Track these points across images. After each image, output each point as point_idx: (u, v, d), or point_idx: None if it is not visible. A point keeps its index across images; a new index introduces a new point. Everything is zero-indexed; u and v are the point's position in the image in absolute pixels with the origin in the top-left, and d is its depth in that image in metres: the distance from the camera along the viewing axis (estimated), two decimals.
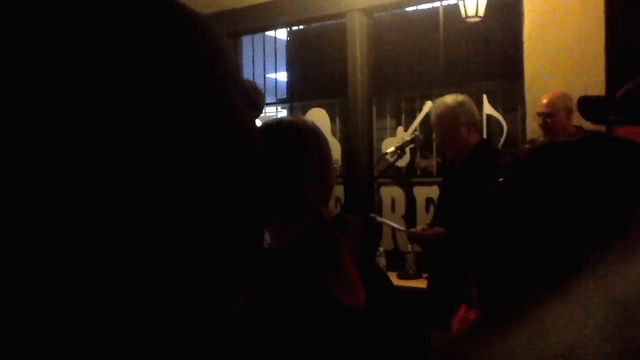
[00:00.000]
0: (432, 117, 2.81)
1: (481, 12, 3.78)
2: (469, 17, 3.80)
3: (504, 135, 3.92)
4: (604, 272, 0.34)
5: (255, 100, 3.20)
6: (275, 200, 1.16)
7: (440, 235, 2.61)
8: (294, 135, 1.18)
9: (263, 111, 5.03)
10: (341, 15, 4.27)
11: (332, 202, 4.36)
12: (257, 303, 1.04)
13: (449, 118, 2.67)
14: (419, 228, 2.93)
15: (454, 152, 2.80)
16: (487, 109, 3.95)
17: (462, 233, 2.52)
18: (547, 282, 0.37)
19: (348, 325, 1.09)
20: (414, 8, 4.33)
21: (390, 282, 1.31)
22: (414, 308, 2.45)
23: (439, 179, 3.59)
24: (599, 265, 0.34)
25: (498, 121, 3.96)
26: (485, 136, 3.90)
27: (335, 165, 4.41)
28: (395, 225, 3.23)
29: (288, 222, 1.16)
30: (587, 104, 1.73)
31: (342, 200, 4.28)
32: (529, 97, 3.59)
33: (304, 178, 1.16)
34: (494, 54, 4.08)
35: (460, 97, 2.76)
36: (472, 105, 2.75)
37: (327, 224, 1.15)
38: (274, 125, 1.24)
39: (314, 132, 1.20)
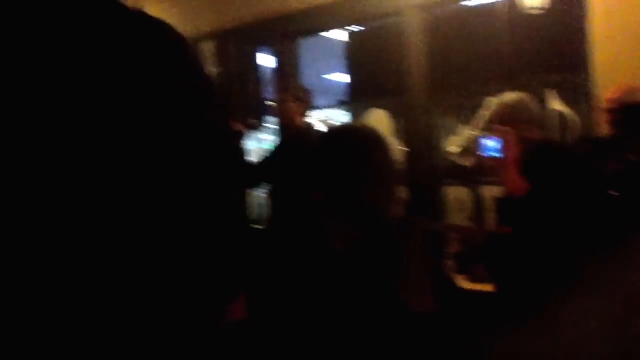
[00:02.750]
0: (491, 116, 2.75)
1: (544, 3, 3.66)
2: (532, 8, 3.68)
3: (573, 130, 3.77)
4: (610, 270, 0.32)
5: (304, 97, 3.35)
6: (339, 204, 1.16)
7: (505, 235, 2.53)
8: (356, 140, 1.19)
9: (323, 112, 5.05)
10: (398, 12, 4.22)
11: (395, 204, 4.31)
12: (321, 307, 1.03)
13: (507, 116, 2.60)
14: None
15: None
16: (554, 103, 3.81)
17: (528, 233, 2.43)
18: (557, 279, 0.35)
19: (416, 330, 1.06)
20: (473, 2, 4.23)
21: (457, 284, 1.28)
22: (483, 311, 2.38)
23: None
24: (604, 264, 0.33)
25: (564, 116, 3.81)
26: (552, 132, 3.76)
27: (397, 167, 4.36)
28: (457, 226, 3.15)
29: (352, 226, 1.15)
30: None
31: (406, 202, 4.22)
32: (598, 89, 3.44)
33: (366, 183, 1.15)
34: (560, 46, 3.93)
35: (519, 94, 2.68)
36: (532, 102, 2.66)
37: (391, 227, 1.14)
38: (335, 132, 1.26)
39: (376, 137, 1.21)
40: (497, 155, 2.12)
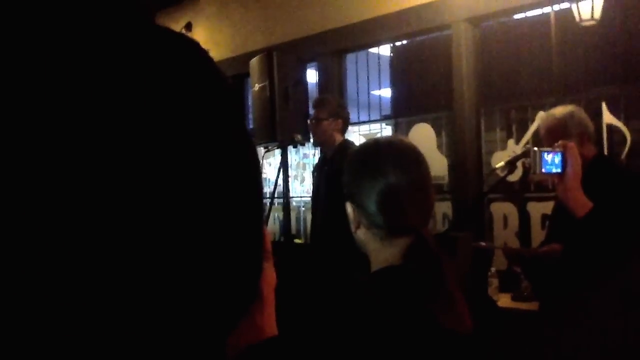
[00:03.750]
0: (541, 131, 2.66)
1: (597, 15, 3.55)
2: (584, 20, 3.58)
3: (628, 145, 3.64)
4: None
5: (340, 113, 3.32)
6: (373, 220, 1.13)
7: (556, 253, 2.44)
8: (391, 155, 1.15)
9: (368, 127, 5.04)
10: (446, 26, 4.18)
11: (439, 220, 4.25)
12: (355, 327, 1.01)
13: (557, 131, 2.49)
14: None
15: None
16: (608, 117, 3.68)
17: (577, 250, 2.34)
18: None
19: (453, 352, 1.03)
20: (523, 15, 4.15)
21: (495, 304, 1.24)
22: (526, 331, 2.30)
23: (555, 194, 3.37)
24: None
25: (620, 130, 3.67)
26: (606, 147, 3.64)
27: (442, 182, 4.30)
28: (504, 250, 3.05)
29: (386, 243, 1.13)
30: None
31: (450, 217, 4.15)
32: None
33: (402, 198, 1.12)
34: (613, 58, 3.81)
35: (569, 108, 2.57)
36: (584, 116, 2.55)
37: (428, 245, 1.10)
38: (370, 145, 1.22)
39: (412, 151, 1.17)
40: (558, 171, 2.01)
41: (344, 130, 3.38)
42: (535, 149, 2.04)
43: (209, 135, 0.36)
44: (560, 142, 2.11)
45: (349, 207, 1.18)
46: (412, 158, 1.16)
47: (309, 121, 3.37)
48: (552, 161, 2.00)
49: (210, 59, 0.40)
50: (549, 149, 2.04)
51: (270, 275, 0.68)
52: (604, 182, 2.36)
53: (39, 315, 0.29)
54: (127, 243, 0.31)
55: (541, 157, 2.00)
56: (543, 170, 2.00)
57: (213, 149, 0.36)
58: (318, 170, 3.53)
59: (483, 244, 3.10)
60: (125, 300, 0.31)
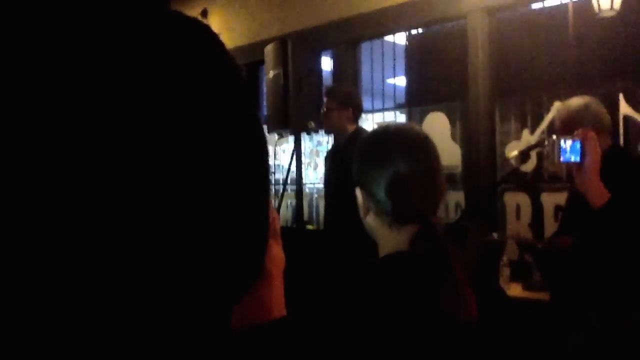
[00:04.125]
0: (555, 122, 2.63)
1: (617, 6, 3.50)
2: (603, 11, 3.53)
3: None
4: None
5: (351, 101, 3.31)
6: (381, 207, 1.14)
7: (566, 245, 2.43)
8: (400, 142, 1.16)
9: (383, 116, 5.03)
10: (462, 16, 4.15)
11: (452, 209, 4.25)
12: (361, 313, 1.03)
13: (572, 122, 2.46)
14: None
15: None
16: (624, 109, 3.65)
17: (592, 241, 2.33)
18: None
19: (458, 340, 1.04)
20: (540, 5, 4.10)
21: (504, 294, 1.25)
22: (536, 321, 2.30)
23: (569, 185, 3.35)
24: None
25: (637, 122, 3.64)
26: (622, 139, 3.60)
27: (455, 171, 4.29)
28: (516, 239, 3.04)
29: (395, 230, 1.14)
30: None
31: (463, 207, 4.14)
32: None
33: (410, 185, 1.13)
34: (632, 50, 3.76)
35: (585, 99, 2.53)
36: (600, 108, 2.52)
37: (435, 232, 1.11)
38: (380, 132, 1.23)
39: (422, 139, 1.17)
40: (577, 160, 1.98)
41: (356, 118, 3.37)
42: (554, 137, 2.01)
43: (217, 114, 0.37)
44: (579, 130, 2.08)
45: (359, 193, 1.19)
46: (422, 146, 1.17)
47: (320, 111, 3.38)
48: (570, 150, 1.98)
49: (221, 43, 0.41)
50: (567, 136, 2.00)
51: (278, 255, 0.68)
52: (619, 174, 2.33)
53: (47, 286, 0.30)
54: (138, 214, 0.32)
55: (559, 146, 1.97)
56: (561, 159, 1.97)
57: (221, 128, 0.37)
58: (331, 158, 3.54)
59: (495, 234, 3.09)
60: (128, 269, 0.32)
